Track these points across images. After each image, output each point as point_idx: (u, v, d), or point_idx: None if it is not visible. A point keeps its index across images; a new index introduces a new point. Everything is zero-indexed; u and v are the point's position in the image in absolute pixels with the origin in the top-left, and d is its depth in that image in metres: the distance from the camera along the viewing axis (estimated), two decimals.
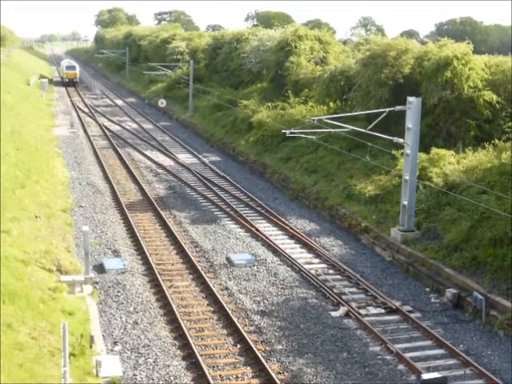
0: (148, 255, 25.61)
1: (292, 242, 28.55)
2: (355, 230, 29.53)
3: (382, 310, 21.69)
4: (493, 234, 22.95)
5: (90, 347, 17.13)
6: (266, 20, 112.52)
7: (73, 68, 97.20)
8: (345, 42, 68.56)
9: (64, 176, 37.42)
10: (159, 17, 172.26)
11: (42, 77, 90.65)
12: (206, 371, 17.03)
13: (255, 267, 25.11)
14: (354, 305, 21.85)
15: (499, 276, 21.78)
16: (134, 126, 61.46)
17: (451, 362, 18.45)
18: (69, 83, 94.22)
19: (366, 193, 30.98)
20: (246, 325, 20.19)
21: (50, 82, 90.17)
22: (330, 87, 41.47)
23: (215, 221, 30.92)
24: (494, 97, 32.45)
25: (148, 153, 47.32)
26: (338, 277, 24.73)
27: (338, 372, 17.59)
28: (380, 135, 28.00)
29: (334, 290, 23.08)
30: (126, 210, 31.56)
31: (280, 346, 18.90)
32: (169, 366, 17.42)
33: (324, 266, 25.84)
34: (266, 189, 38.31)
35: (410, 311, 21.66)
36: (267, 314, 20.99)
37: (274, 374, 17.01)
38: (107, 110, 71.41)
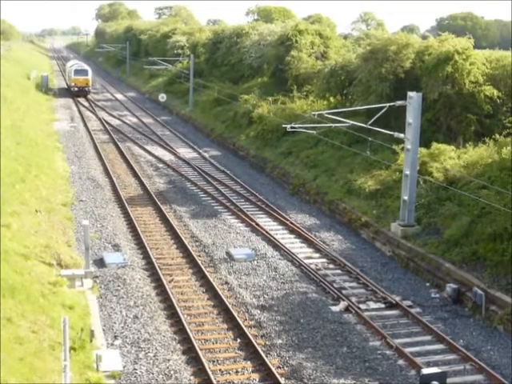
0: (148, 249, 25.62)
1: (292, 236, 28.56)
2: (355, 225, 29.53)
3: (382, 305, 21.71)
4: (493, 229, 22.95)
5: (91, 341, 17.16)
6: (266, 14, 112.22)
7: (84, 73, 74.66)
8: (345, 37, 68.40)
9: (64, 170, 37.42)
10: (160, 11, 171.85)
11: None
12: (206, 365, 17.05)
13: (255, 262, 25.13)
14: (354, 299, 21.87)
15: (499, 271, 21.79)
16: (134, 120, 61.43)
17: (451, 357, 18.48)
18: (78, 93, 73.46)
19: (366, 188, 30.96)
20: (245, 319, 20.20)
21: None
22: (331, 82, 41.47)
23: (215, 215, 30.93)
24: (495, 92, 32.43)
25: (148, 147, 47.31)
26: (338, 271, 24.75)
27: (337, 366, 17.60)
28: (380, 130, 27.98)
29: (334, 285, 23.10)
30: (126, 205, 31.57)
31: (280, 341, 18.92)
32: (169, 360, 17.43)
33: (324, 260, 25.85)
34: (266, 183, 38.29)
35: (410, 306, 21.68)
36: (267, 309, 21.00)
37: (273, 369, 17.04)
38: (107, 105, 71.35)
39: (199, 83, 64.30)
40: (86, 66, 77.68)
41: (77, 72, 74.17)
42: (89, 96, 74.91)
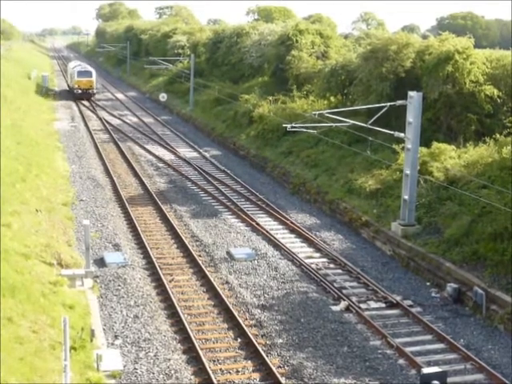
0: (149, 249, 25.62)
1: (292, 236, 28.55)
2: (356, 225, 29.52)
3: (383, 305, 21.71)
4: (493, 229, 22.95)
5: (91, 341, 17.15)
6: (266, 14, 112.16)
7: (87, 74, 70.92)
8: (346, 37, 68.41)
9: (65, 170, 37.43)
10: (160, 11, 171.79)
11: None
12: (207, 365, 17.05)
13: (256, 261, 25.12)
14: (354, 299, 21.87)
15: (499, 270, 21.78)
16: (135, 119, 61.43)
17: (451, 356, 18.47)
18: (82, 95, 70.09)
19: (366, 187, 30.95)
20: (246, 319, 20.20)
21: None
22: (331, 81, 41.46)
23: (216, 215, 30.92)
24: (495, 91, 32.40)
25: (149, 147, 47.30)
26: (339, 271, 24.74)
27: (338, 366, 17.60)
28: (381, 129, 27.96)
29: (335, 285, 23.09)
30: (126, 204, 31.57)
31: (280, 340, 18.91)
32: (169, 359, 17.42)
33: (324, 260, 25.85)
34: (266, 183, 38.29)
35: (411, 305, 21.67)
36: (268, 308, 21.00)
37: (274, 368, 17.04)
38: (108, 104, 71.32)
39: (200, 83, 64.31)
40: (89, 68, 74.15)
41: (80, 74, 70.55)
42: None
